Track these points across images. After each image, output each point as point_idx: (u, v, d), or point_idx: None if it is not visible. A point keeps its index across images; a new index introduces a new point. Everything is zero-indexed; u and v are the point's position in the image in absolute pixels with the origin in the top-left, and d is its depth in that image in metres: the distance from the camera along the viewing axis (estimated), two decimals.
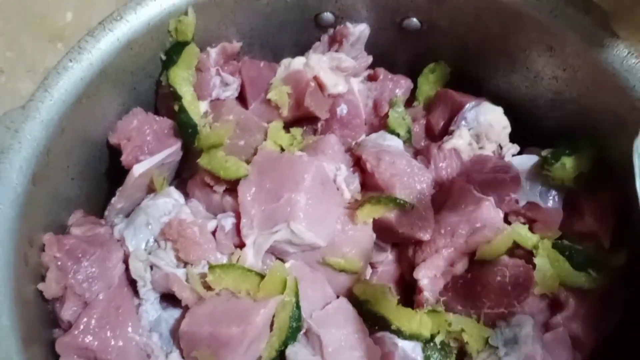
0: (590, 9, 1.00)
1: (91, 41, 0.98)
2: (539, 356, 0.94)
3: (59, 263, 0.93)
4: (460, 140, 1.10)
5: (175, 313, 0.99)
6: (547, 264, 1.00)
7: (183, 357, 0.94)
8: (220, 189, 1.03)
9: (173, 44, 1.06)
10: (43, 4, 1.48)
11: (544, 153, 1.07)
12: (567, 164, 1.04)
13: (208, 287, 0.95)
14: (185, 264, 0.97)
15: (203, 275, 0.96)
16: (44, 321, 0.95)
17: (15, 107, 0.93)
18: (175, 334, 0.95)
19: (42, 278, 0.94)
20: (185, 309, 0.97)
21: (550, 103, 1.12)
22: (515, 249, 1.04)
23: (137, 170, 1.02)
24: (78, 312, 0.93)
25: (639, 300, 1.02)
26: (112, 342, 0.93)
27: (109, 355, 0.92)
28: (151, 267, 0.98)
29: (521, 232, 1.03)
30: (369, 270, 1.06)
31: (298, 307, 0.93)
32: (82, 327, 0.92)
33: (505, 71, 1.16)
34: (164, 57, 1.07)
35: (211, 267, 0.96)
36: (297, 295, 0.93)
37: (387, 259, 1.09)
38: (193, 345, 0.93)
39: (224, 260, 0.99)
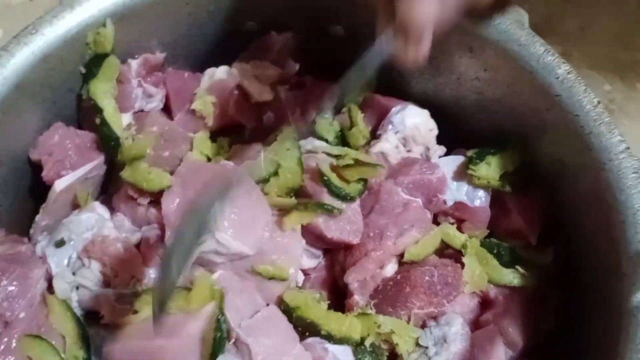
0: (507, 10, 1.02)
1: (5, 55, 0.97)
2: (468, 354, 0.94)
3: None
4: (387, 144, 1.10)
5: (101, 330, 0.96)
6: (475, 262, 1.01)
7: None
8: (144, 201, 1.02)
9: (92, 56, 1.05)
10: None
11: (469, 153, 1.08)
12: (491, 164, 1.05)
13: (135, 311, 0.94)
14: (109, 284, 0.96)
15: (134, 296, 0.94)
16: None
17: None
18: (100, 351, 0.93)
19: None
20: (115, 327, 0.96)
21: (475, 104, 1.13)
22: (445, 249, 1.04)
23: (59, 185, 1.01)
24: None
25: (574, 303, 1.03)
26: None
27: None
28: (76, 287, 0.96)
29: (449, 232, 1.04)
30: (302, 277, 1.06)
31: (222, 317, 0.92)
32: (2, 347, 0.89)
33: (429, 74, 1.17)
34: (83, 70, 1.05)
35: (136, 294, 0.94)
36: (221, 305, 0.92)
37: (319, 264, 1.08)
38: None
39: (151, 273, 0.98)
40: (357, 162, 1.04)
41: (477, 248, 1.02)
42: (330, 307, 0.98)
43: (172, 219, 0.98)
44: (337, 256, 1.07)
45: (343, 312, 0.98)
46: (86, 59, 1.05)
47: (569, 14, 1.50)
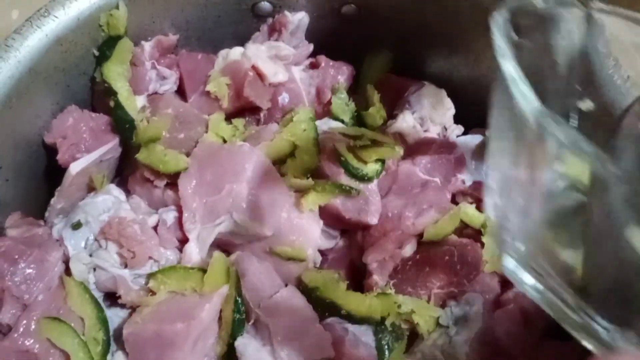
0: None
1: (18, 38, 0.96)
2: (489, 333, 0.93)
3: None
4: (404, 124, 1.09)
5: (120, 311, 0.96)
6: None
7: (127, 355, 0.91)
8: (161, 183, 1.01)
9: (105, 39, 1.04)
10: None
11: (487, 133, 1.07)
12: None
13: (152, 292, 0.94)
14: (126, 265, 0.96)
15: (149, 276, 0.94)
16: None
17: None
18: (119, 332, 0.93)
19: None
20: (131, 310, 0.96)
21: (492, 83, 1.11)
22: (464, 229, 1.03)
23: (74, 168, 1.00)
24: (17, 315, 0.90)
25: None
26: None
27: (50, 357, 0.89)
28: (94, 269, 0.96)
29: (468, 212, 1.02)
30: (319, 258, 1.05)
31: (239, 298, 0.91)
32: (22, 330, 0.89)
33: (446, 54, 1.16)
34: (96, 53, 1.04)
35: (152, 274, 0.94)
36: (237, 286, 0.91)
37: (337, 245, 1.08)
38: (138, 347, 0.90)
39: (168, 254, 0.97)
40: (375, 143, 1.03)
41: None
42: (348, 287, 0.97)
43: (189, 200, 0.97)
44: (354, 237, 1.06)
45: (361, 292, 0.97)
46: (99, 41, 1.04)
47: None
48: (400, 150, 1.03)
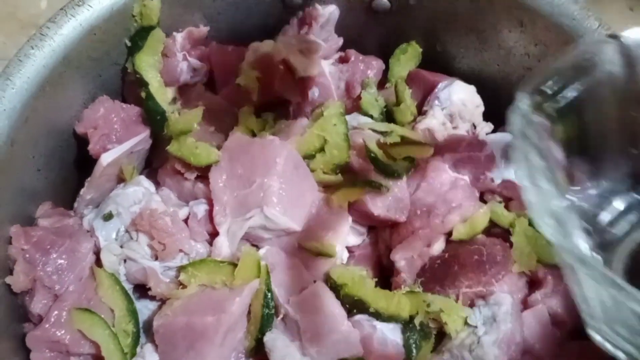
0: None
1: (53, 27, 0.96)
2: (518, 334, 0.93)
3: (27, 255, 0.91)
4: (434, 120, 1.08)
5: (149, 304, 0.97)
6: (524, 241, 0.99)
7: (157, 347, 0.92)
8: (191, 176, 1.01)
9: (138, 29, 1.04)
10: None
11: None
12: None
13: (183, 285, 0.94)
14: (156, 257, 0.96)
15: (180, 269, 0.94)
16: (14, 315, 0.93)
17: None
18: (149, 324, 0.93)
19: (10, 271, 0.92)
20: (161, 302, 0.96)
21: (523, 79, 1.11)
22: (492, 228, 1.03)
23: (105, 159, 1.00)
24: (48, 305, 0.91)
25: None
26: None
27: (81, 348, 0.90)
28: (124, 260, 0.96)
29: (497, 211, 1.02)
30: (346, 254, 1.05)
31: (269, 293, 0.92)
32: (53, 320, 0.90)
33: (476, 49, 1.14)
34: (129, 43, 1.04)
35: (182, 267, 0.94)
36: (267, 281, 0.92)
37: (364, 242, 1.08)
38: (168, 338, 0.91)
39: (199, 247, 0.97)
40: (405, 141, 1.02)
41: (525, 227, 1.00)
42: (375, 285, 0.97)
43: (220, 194, 0.97)
44: (382, 234, 1.06)
45: (388, 289, 0.97)
46: (131, 31, 1.04)
47: None
48: (430, 150, 1.03)
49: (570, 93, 0.61)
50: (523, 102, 0.58)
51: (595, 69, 0.62)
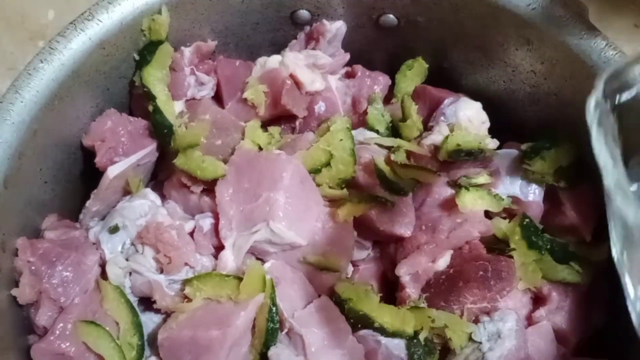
0: (568, 2, 1.00)
1: (62, 41, 0.97)
2: (522, 350, 0.93)
3: (33, 267, 0.91)
4: (440, 136, 1.08)
5: (154, 317, 0.97)
6: (528, 257, 0.99)
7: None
8: (197, 189, 1.01)
9: (146, 43, 1.04)
10: (24, 2, 1.46)
11: (523, 147, 1.06)
12: (546, 158, 1.03)
13: (188, 298, 0.94)
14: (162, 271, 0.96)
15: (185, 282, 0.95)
16: (19, 327, 0.93)
17: None
18: (153, 337, 0.93)
19: (16, 283, 0.92)
20: (166, 315, 0.96)
21: (529, 97, 1.11)
22: (496, 243, 1.03)
23: (112, 172, 1.00)
24: (53, 318, 0.91)
25: (623, 299, 1.02)
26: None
27: None
28: (130, 273, 0.97)
29: (501, 226, 1.02)
30: (350, 269, 1.05)
31: (274, 307, 0.92)
32: (58, 332, 0.90)
33: (483, 66, 1.15)
34: (137, 57, 1.05)
35: (188, 281, 0.94)
36: (272, 296, 0.92)
37: (368, 256, 1.08)
38: (173, 352, 0.91)
39: (204, 261, 0.98)
40: (412, 165, 1.02)
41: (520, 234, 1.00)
42: (380, 300, 0.97)
43: (226, 207, 0.97)
44: (387, 248, 1.06)
45: (392, 304, 0.97)
46: (140, 45, 1.05)
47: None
48: (436, 177, 1.03)
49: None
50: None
51: None
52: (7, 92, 0.93)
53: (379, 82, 1.17)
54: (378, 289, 1.03)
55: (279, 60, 1.11)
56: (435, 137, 1.08)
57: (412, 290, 0.99)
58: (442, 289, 0.99)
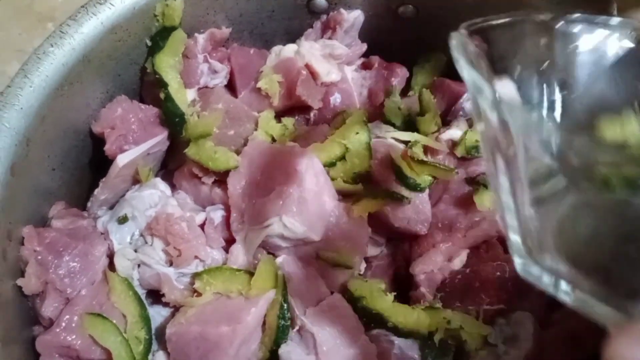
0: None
1: (73, 25, 0.94)
2: (537, 353, 0.91)
3: (39, 257, 0.89)
4: (458, 132, 1.05)
5: (162, 310, 0.95)
6: None
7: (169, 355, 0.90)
8: (209, 180, 0.99)
9: (159, 29, 1.02)
10: None
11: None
12: None
13: (197, 292, 0.92)
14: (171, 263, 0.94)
15: (195, 276, 0.92)
16: (24, 318, 0.91)
17: (2, 87, 0.90)
18: (161, 331, 0.91)
19: (22, 273, 0.90)
20: (174, 309, 0.94)
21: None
22: None
23: (122, 160, 0.98)
24: (59, 309, 0.89)
25: None
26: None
27: (92, 354, 0.88)
28: (138, 265, 0.94)
29: None
30: (363, 265, 1.03)
31: (286, 304, 0.89)
32: (64, 324, 0.88)
33: None
34: (149, 43, 1.02)
35: (197, 274, 0.92)
36: (284, 292, 0.89)
37: (382, 253, 1.05)
38: (181, 347, 0.89)
39: (215, 254, 0.95)
40: (430, 163, 0.99)
41: None
42: (393, 298, 0.94)
43: (238, 200, 0.95)
44: (401, 245, 1.04)
45: (405, 302, 0.95)
46: (152, 31, 1.02)
47: None
48: (453, 174, 1.00)
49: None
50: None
51: None
52: (15, 76, 0.90)
53: (396, 74, 1.14)
54: (390, 287, 1.01)
55: (295, 49, 1.09)
56: (454, 132, 1.05)
57: (426, 290, 0.97)
58: (457, 289, 0.97)
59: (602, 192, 0.50)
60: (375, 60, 1.16)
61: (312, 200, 0.94)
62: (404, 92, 1.18)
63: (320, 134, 1.03)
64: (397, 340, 0.92)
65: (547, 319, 0.97)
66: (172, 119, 1.00)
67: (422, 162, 0.98)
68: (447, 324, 0.91)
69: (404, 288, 1.01)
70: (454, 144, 1.04)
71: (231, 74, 1.10)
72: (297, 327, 0.91)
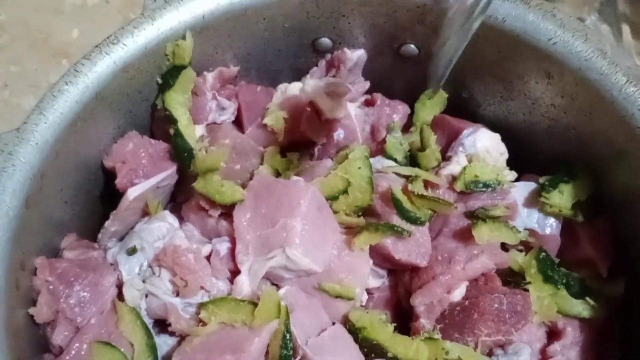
0: (589, 37, 1.00)
1: (87, 64, 0.98)
2: None
3: (51, 287, 0.92)
4: (458, 167, 1.08)
5: (169, 339, 0.98)
6: (543, 291, 0.99)
7: None
8: (215, 213, 1.02)
9: (170, 67, 1.06)
10: (49, 21, 1.49)
11: (541, 180, 1.06)
12: (564, 192, 1.03)
13: (203, 322, 0.94)
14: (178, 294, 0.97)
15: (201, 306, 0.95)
16: (35, 346, 0.94)
17: (16, 123, 0.94)
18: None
19: (34, 302, 0.93)
20: (180, 338, 0.97)
21: (547, 130, 1.11)
22: (513, 276, 1.03)
23: (132, 193, 1.01)
24: (69, 337, 0.92)
25: (638, 332, 1.01)
26: None
27: None
28: (146, 295, 0.97)
29: (518, 259, 1.02)
30: (365, 296, 1.05)
31: (288, 334, 0.91)
32: (73, 352, 0.91)
33: (503, 97, 1.15)
34: (160, 81, 1.06)
35: (203, 304, 0.95)
36: (287, 322, 0.92)
37: (383, 285, 1.08)
38: None
39: (220, 285, 0.98)
40: (429, 198, 1.02)
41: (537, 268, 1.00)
42: (394, 329, 0.96)
43: (243, 232, 0.98)
44: (402, 277, 1.06)
45: (406, 333, 0.97)
46: (163, 69, 1.06)
47: None
48: (452, 208, 1.03)
49: None
50: None
51: None
52: (31, 113, 0.94)
53: (398, 111, 1.18)
54: (392, 317, 1.03)
55: (300, 87, 1.12)
56: (453, 167, 1.08)
57: (426, 321, 0.99)
58: (456, 321, 0.99)
59: None
60: (378, 97, 1.19)
61: (315, 232, 0.97)
62: (406, 128, 1.21)
63: (323, 169, 1.06)
64: None
65: (545, 351, 0.99)
66: (181, 153, 1.03)
67: (422, 197, 1.01)
68: (446, 355, 0.93)
69: (405, 319, 1.03)
70: (453, 179, 1.07)
71: (239, 110, 1.14)
72: (299, 357, 0.92)
